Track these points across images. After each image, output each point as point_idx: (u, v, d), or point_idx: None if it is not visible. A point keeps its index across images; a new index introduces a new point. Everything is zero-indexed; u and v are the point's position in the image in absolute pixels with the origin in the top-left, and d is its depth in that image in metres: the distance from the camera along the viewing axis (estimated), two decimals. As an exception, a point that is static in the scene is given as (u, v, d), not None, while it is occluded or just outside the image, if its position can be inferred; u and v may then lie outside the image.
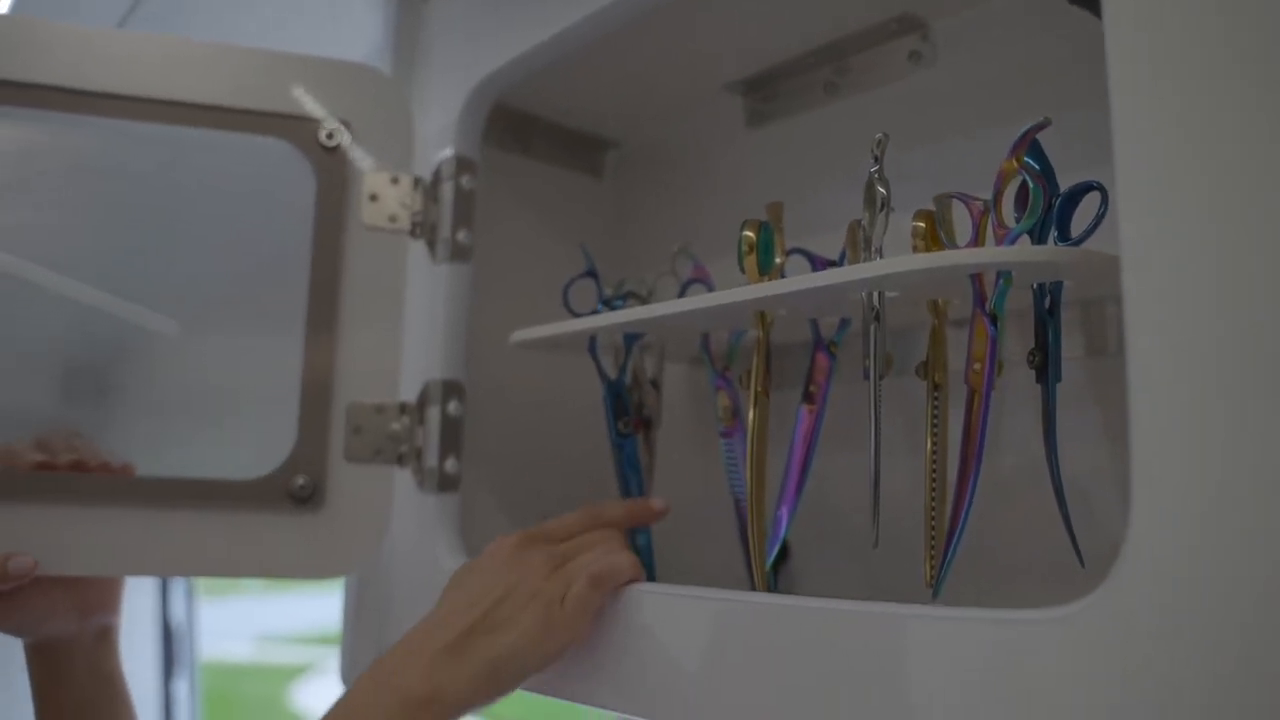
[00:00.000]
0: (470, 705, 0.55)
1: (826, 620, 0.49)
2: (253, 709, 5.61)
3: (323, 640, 7.50)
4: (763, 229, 0.60)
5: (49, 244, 0.73)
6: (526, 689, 0.66)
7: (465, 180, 0.79)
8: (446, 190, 0.79)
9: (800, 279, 0.54)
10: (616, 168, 0.97)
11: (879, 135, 0.55)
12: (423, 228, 0.79)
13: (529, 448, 0.87)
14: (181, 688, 2.05)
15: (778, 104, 0.82)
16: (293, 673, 6.37)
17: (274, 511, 0.72)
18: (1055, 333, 0.54)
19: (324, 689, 6.28)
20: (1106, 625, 0.40)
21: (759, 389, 0.60)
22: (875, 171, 0.55)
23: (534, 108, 0.90)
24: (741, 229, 0.61)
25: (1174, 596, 0.38)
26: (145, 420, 0.74)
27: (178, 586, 2.07)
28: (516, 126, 0.89)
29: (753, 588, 0.68)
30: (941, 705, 0.44)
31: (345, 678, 0.82)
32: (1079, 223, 0.52)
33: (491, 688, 0.56)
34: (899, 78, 0.73)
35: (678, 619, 0.57)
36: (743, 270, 0.61)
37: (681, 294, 0.74)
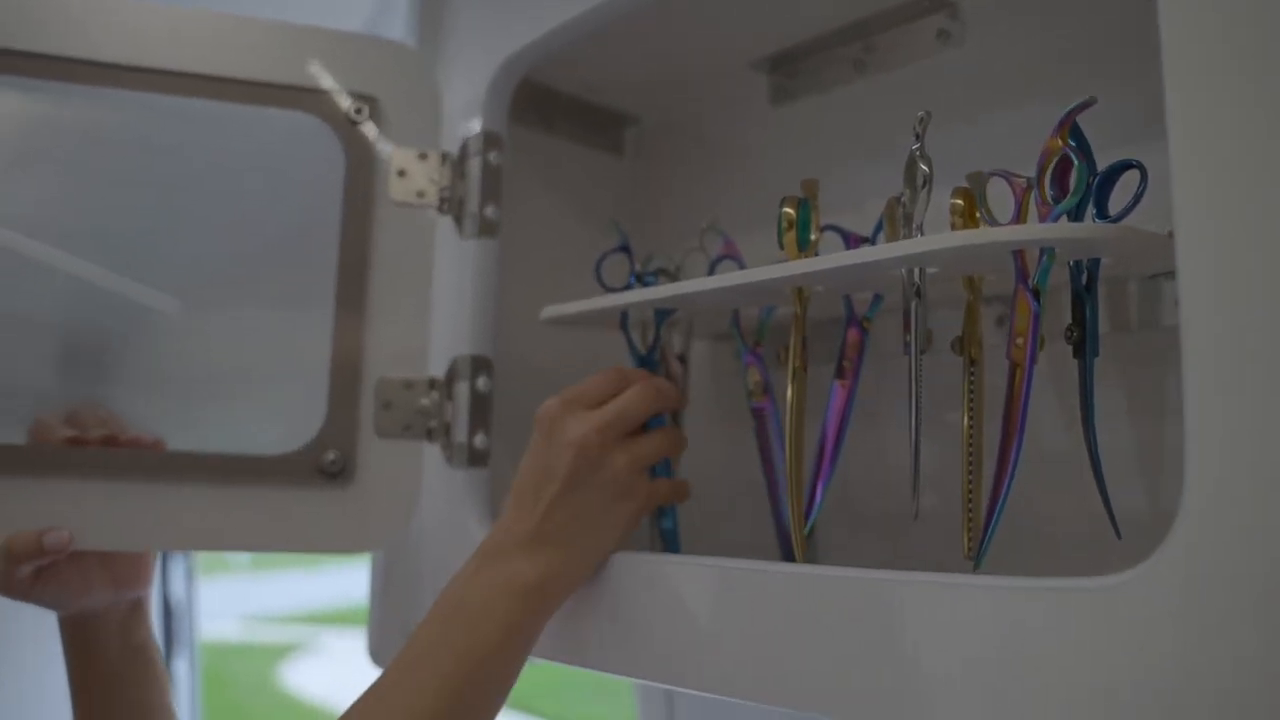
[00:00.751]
0: (574, 582, 0.61)
1: (875, 590, 0.50)
2: (244, 688, 5.61)
3: (310, 620, 7.51)
4: (802, 206, 0.61)
5: (70, 219, 0.73)
6: (550, 660, 0.66)
7: (493, 156, 0.79)
8: (474, 166, 0.79)
9: (850, 254, 0.55)
10: (636, 144, 0.97)
11: (921, 113, 0.56)
12: (450, 203, 0.79)
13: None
14: (182, 666, 2.06)
15: (803, 81, 0.82)
16: (281, 652, 6.38)
17: (304, 486, 0.72)
18: (1093, 309, 0.55)
19: (313, 668, 6.30)
20: (1160, 593, 0.41)
21: (797, 364, 0.61)
22: (917, 149, 0.56)
23: (556, 83, 0.90)
24: (781, 205, 0.61)
25: (1227, 566, 0.39)
26: (173, 397, 0.74)
27: (177, 565, 2.07)
28: (538, 102, 0.89)
29: (783, 559, 0.69)
30: (994, 674, 0.45)
31: (374, 654, 0.82)
32: (1116, 201, 0.53)
33: (591, 571, 0.62)
34: (927, 56, 0.74)
35: (716, 589, 0.58)
36: (781, 247, 0.62)
37: (711, 271, 0.75)
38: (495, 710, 0.56)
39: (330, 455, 0.73)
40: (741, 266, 0.74)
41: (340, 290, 0.74)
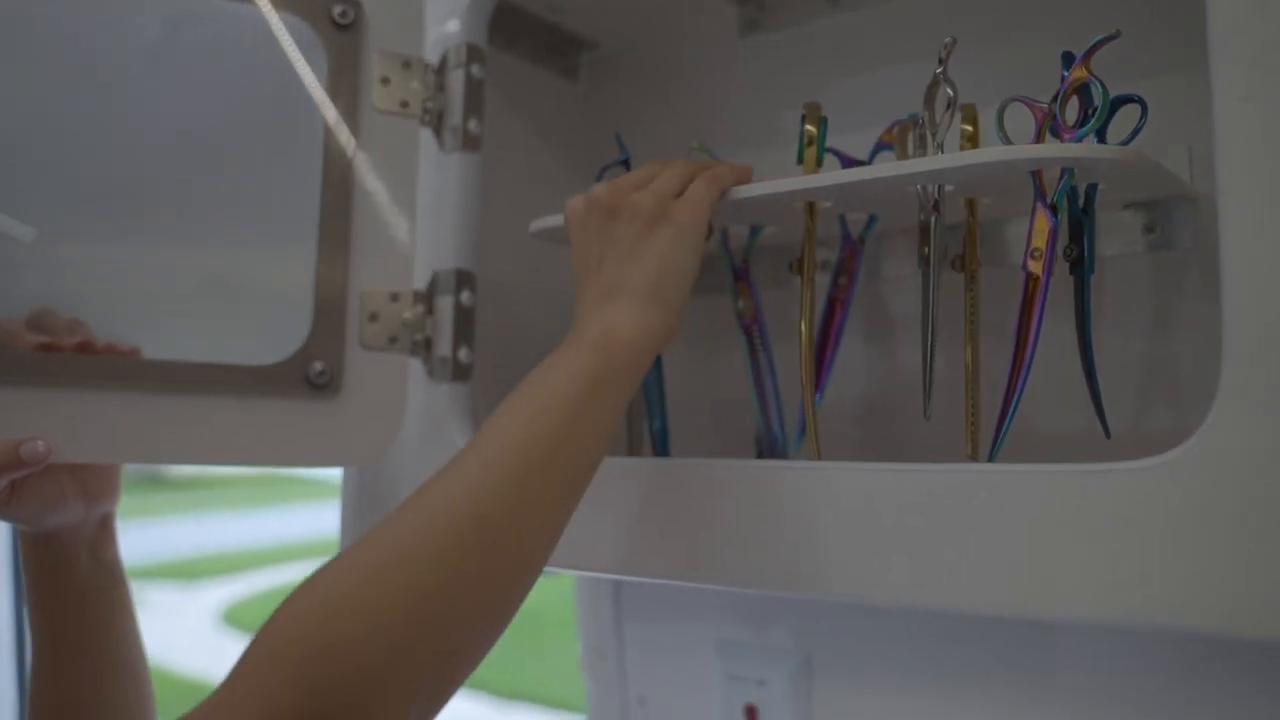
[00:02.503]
0: (648, 326, 0.58)
1: (919, 480, 0.54)
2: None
3: (145, 574, 7.16)
4: (822, 123, 0.64)
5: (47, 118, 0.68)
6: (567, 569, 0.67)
7: (475, 69, 0.78)
8: (455, 78, 0.78)
9: (892, 165, 0.58)
10: (591, 70, 0.97)
11: (947, 39, 0.59)
12: (430, 115, 0.77)
13: (514, 341, 0.87)
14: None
15: (774, 14, 0.84)
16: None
17: (290, 398, 0.70)
18: (1090, 229, 0.60)
19: (150, 622, 6.01)
20: (1203, 468, 0.46)
21: (810, 273, 0.64)
22: (940, 72, 0.59)
23: (522, 1, 0.89)
24: (802, 123, 0.64)
25: (1256, 448, 0.45)
26: (150, 306, 0.70)
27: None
28: (502, 20, 0.88)
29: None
30: (1052, 553, 0.50)
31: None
32: (1114, 132, 0.59)
33: (658, 312, 0.58)
34: (904, -7, 0.77)
35: (752, 488, 0.60)
36: (800, 162, 0.64)
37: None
38: (582, 468, 0.54)
39: (318, 366, 0.71)
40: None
41: (325, 199, 0.72)
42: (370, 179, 0.73)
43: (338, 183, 0.72)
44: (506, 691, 4.89)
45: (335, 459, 0.73)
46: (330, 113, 0.72)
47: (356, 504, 0.81)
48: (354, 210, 0.73)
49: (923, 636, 0.77)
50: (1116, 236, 0.69)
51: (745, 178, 0.64)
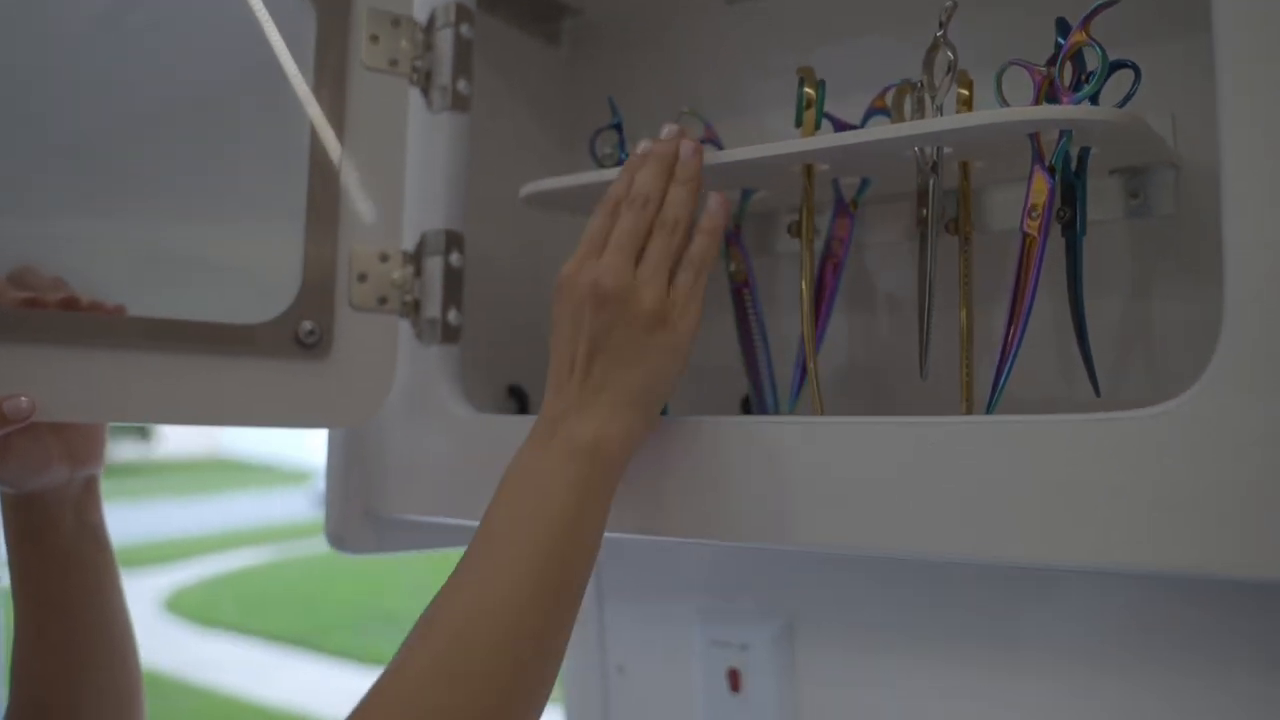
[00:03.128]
0: (635, 434, 0.59)
1: (937, 432, 0.55)
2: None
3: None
4: (821, 86, 0.64)
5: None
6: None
7: (464, 28, 0.77)
8: (444, 37, 0.77)
9: (904, 126, 0.58)
10: (574, 36, 0.97)
11: (949, 3, 0.60)
12: (419, 75, 0.76)
13: (498, 308, 0.87)
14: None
15: (762, -19, 0.85)
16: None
17: (279, 357, 0.69)
18: (1082, 192, 0.61)
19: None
20: (1209, 414, 0.48)
21: (809, 235, 0.65)
22: (941, 35, 0.60)
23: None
24: (800, 86, 0.64)
25: (1254, 398, 0.47)
26: (134, 264, 0.69)
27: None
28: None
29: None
30: (1049, 499, 0.51)
31: (334, 538, 0.80)
32: (1103, 100, 0.60)
33: (649, 415, 0.60)
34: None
35: (790, 445, 0.61)
36: (798, 125, 0.65)
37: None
38: (585, 575, 0.55)
39: (307, 325, 0.70)
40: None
41: (313, 157, 0.71)
42: (359, 137, 0.72)
43: (326, 141, 0.71)
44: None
45: (323, 420, 0.72)
46: (319, 69, 0.71)
47: (343, 470, 0.81)
48: (342, 168, 0.72)
49: (904, 596, 0.79)
50: (1101, 202, 0.70)
51: (722, 221, 0.63)
